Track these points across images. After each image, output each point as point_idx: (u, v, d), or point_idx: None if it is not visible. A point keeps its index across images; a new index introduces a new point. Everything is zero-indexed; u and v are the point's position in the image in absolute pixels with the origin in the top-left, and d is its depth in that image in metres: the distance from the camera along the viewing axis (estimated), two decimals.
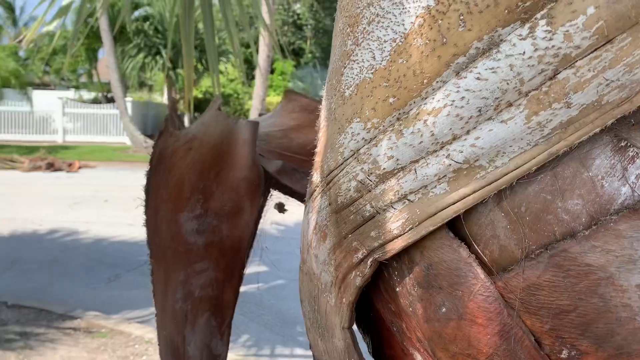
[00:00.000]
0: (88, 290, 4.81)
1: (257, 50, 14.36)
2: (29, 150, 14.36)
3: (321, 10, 24.85)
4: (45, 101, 17.25)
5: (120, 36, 14.86)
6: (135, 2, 16.58)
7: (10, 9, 34.28)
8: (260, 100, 16.00)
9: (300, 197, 0.94)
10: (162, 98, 22.57)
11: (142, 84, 21.61)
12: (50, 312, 4.11)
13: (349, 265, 0.58)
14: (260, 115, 11.81)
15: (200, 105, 20.99)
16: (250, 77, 20.89)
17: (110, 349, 3.52)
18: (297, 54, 25.16)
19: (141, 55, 17.41)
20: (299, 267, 0.68)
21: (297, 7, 24.55)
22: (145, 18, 18.12)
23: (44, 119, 17.38)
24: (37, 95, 16.64)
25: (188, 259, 0.81)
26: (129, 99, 17.61)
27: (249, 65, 19.66)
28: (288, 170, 0.93)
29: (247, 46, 16.92)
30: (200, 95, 20.99)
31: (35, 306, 4.19)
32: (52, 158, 12.73)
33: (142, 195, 0.86)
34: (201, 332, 0.77)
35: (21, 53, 22.59)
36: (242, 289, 3.76)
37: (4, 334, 3.68)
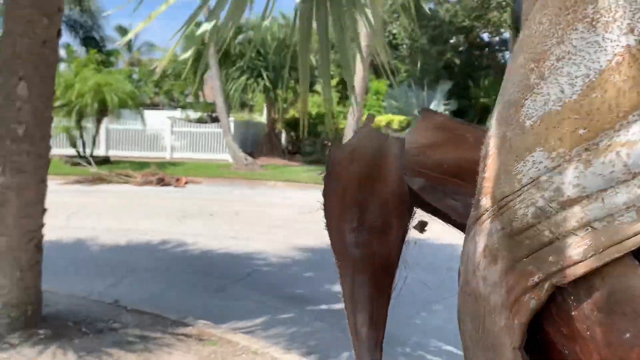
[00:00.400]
0: (197, 299, 5.08)
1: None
2: (140, 165, 15.47)
3: (418, 29, 24.76)
4: (155, 120, 18.57)
5: (224, 60, 15.76)
6: (238, 27, 17.47)
7: (126, 35, 37.44)
8: (356, 120, 16.18)
9: (443, 216, 0.97)
10: (261, 117, 23.47)
11: (243, 104, 22.65)
12: (165, 318, 4.39)
13: (523, 288, 0.60)
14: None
15: (297, 125, 21.60)
16: (344, 97, 21.22)
17: (220, 356, 3.70)
18: (392, 73, 25.20)
19: (243, 77, 18.30)
20: (460, 287, 0.71)
21: (393, 27, 24.64)
22: (248, 42, 19.03)
23: (154, 137, 18.72)
24: (148, 114, 17.91)
25: (351, 271, 0.86)
26: (231, 118, 18.50)
27: (344, 85, 19.97)
28: (430, 188, 0.96)
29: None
30: (297, 115, 21.62)
31: (152, 312, 4.49)
32: (162, 173, 13.64)
33: (321, 199, 0.93)
34: (367, 349, 0.82)
35: (133, 75, 24.56)
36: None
37: (125, 337, 3.98)
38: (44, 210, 3.99)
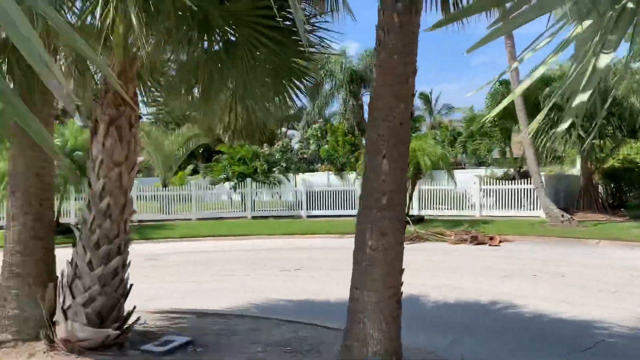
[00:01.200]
0: None
1: None
2: (452, 224, 15.95)
3: None
4: (461, 179, 19.04)
5: (534, 112, 15.28)
6: (545, 78, 16.88)
7: (428, 100, 39.97)
8: None
9: None
10: (572, 169, 21.80)
11: (552, 157, 21.46)
12: None
13: None
14: None
15: (618, 175, 19.33)
16: None
17: None
18: None
19: (554, 129, 17.41)
20: None
21: None
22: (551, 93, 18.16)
23: (462, 195, 19.16)
24: (455, 174, 18.47)
25: None
26: (541, 172, 17.72)
27: None
28: None
29: None
30: (617, 164, 19.40)
31: None
32: (475, 232, 13.79)
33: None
34: None
35: (437, 137, 25.85)
36: None
37: None
38: (402, 270, 4.50)
